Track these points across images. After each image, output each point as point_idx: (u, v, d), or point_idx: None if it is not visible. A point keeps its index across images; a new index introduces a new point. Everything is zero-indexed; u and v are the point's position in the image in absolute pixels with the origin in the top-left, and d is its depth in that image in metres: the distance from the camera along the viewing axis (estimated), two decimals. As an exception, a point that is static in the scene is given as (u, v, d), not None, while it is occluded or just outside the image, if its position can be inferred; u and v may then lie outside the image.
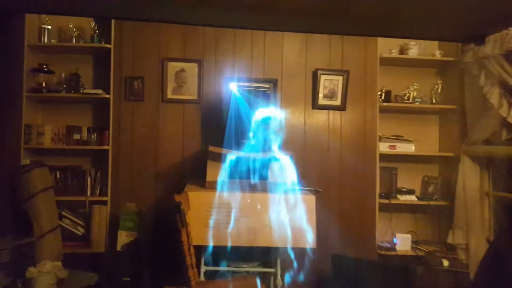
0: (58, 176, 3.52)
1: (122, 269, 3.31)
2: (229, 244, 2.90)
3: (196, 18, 2.28)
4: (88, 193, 3.54)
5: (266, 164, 3.09)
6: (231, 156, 3.02)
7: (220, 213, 2.89)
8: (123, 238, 3.41)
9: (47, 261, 3.06)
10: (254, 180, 3.04)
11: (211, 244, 2.88)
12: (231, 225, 2.89)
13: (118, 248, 3.40)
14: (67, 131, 3.52)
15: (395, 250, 3.67)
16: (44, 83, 3.48)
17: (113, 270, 3.33)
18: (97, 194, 3.55)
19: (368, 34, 3.32)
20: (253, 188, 3.00)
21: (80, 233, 3.52)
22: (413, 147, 3.76)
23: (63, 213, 3.50)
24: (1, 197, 3.17)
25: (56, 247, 3.25)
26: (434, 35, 2.80)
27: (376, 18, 1.91)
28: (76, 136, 3.51)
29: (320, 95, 3.67)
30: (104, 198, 3.51)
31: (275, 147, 3.33)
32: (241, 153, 3.03)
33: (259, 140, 3.12)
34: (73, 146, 3.52)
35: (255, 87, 3.37)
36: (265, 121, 3.22)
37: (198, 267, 2.94)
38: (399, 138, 3.78)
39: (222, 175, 3.07)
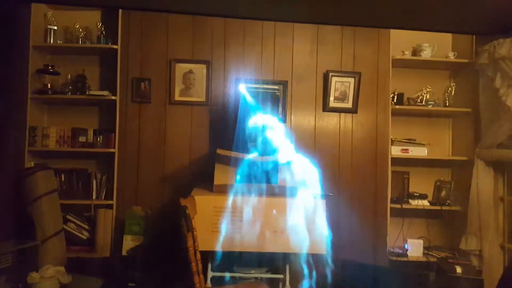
0: (63, 179, 3.41)
1: (127, 274, 3.19)
2: (237, 249, 2.78)
3: (203, 8, 2.15)
4: (94, 197, 3.43)
5: (275, 168, 2.97)
6: (239, 159, 2.90)
7: (227, 218, 2.77)
8: (129, 242, 3.29)
9: (49, 266, 2.95)
10: (263, 184, 2.91)
11: (218, 249, 2.76)
12: (239, 230, 2.77)
13: (124, 252, 3.28)
14: (73, 133, 3.40)
15: (406, 256, 3.52)
16: (49, 85, 3.38)
17: (118, 275, 3.22)
18: (103, 198, 3.44)
19: (392, 27, 3.18)
20: (261, 192, 2.87)
21: (85, 237, 3.41)
22: (426, 151, 3.61)
23: (68, 216, 3.39)
24: (5, 200, 3.06)
25: (60, 252, 3.14)
26: (461, 27, 2.66)
27: (400, 9, 1.79)
28: (82, 139, 3.40)
29: (331, 97, 3.54)
30: (110, 202, 3.39)
31: (284, 150, 3.21)
32: (249, 156, 2.91)
33: (268, 143, 2.99)
34: (79, 149, 3.40)
35: (265, 89, 3.25)
36: (274, 124, 3.10)
37: (205, 272, 2.82)
38: (412, 141, 3.64)
39: (230, 178, 2.95)
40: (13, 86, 3.18)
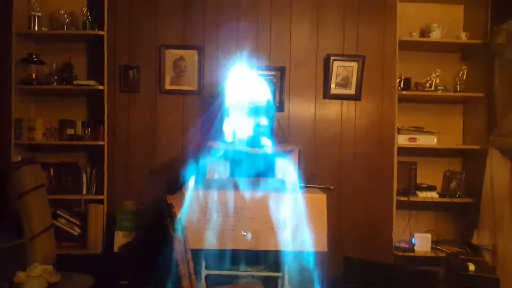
0: (52, 173, 3.16)
1: (119, 272, 2.98)
2: (231, 247, 2.53)
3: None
4: (84, 191, 3.18)
5: (272, 161, 2.69)
6: (233, 152, 2.62)
7: (221, 214, 2.52)
8: (120, 238, 3.06)
9: (37, 265, 2.73)
10: (258, 178, 2.63)
11: (210, 247, 2.51)
12: (232, 227, 2.52)
13: (115, 249, 3.06)
14: (60, 125, 3.13)
15: (413, 251, 3.22)
16: (34, 74, 3.10)
17: (110, 273, 3.01)
18: (93, 192, 3.19)
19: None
20: (257, 187, 2.60)
21: (76, 233, 3.18)
22: (435, 140, 3.27)
23: (58, 212, 3.16)
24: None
25: (49, 249, 2.92)
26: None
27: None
28: (70, 131, 3.13)
29: (332, 84, 3.20)
30: (101, 197, 3.14)
31: (282, 141, 2.93)
32: (244, 149, 2.63)
33: (263, 135, 2.70)
34: (66, 142, 3.13)
35: (261, 76, 2.91)
36: (271, 114, 2.80)
37: (199, 270, 2.59)
38: (420, 130, 3.30)
39: (224, 172, 2.69)
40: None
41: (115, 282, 2.96)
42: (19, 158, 3.10)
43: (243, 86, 2.76)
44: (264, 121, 2.69)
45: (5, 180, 2.87)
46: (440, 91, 3.30)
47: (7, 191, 2.86)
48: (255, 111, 2.72)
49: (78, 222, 3.19)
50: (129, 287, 2.94)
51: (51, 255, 2.94)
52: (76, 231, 3.18)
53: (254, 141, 2.67)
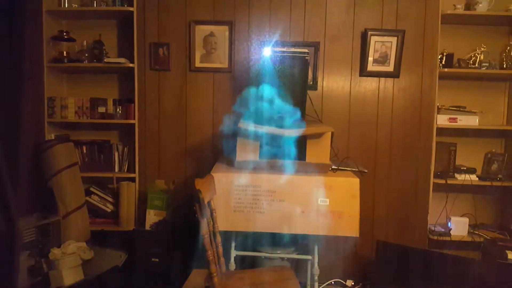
0: (84, 151, 2.96)
1: (151, 249, 2.78)
2: (261, 230, 2.27)
3: None
4: (116, 169, 2.97)
5: (303, 143, 2.36)
6: (263, 133, 2.31)
7: (251, 197, 2.25)
8: (152, 217, 2.85)
9: (71, 242, 2.57)
10: (289, 160, 2.32)
11: (240, 229, 2.27)
12: (262, 209, 2.25)
13: (147, 227, 2.85)
14: (92, 103, 2.90)
15: (449, 235, 2.87)
16: (65, 52, 2.86)
17: (141, 250, 2.81)
18: (125, 170, 2.97)
19: None
20: (288, 169, 2.30)
21: (109, 210, 2.99)
22: (477, 120, 2.85)
23: (92, 189, 2.98)
24: (27, 174, 2.67)
25: (82, 226, 2.75)
26: None
27: None
28: (101, 109, 2.90)
29: (370, 59, 2.80)
30: (132, 175, 2.92)
31: (314, 121, 2.59)
32: (275, 130, 2.31)
33: (295, 115, 2.36)
34: (98, 120, 2.90)
35: (294, 52, 2.55)
36: (304, 93, 2.46)
37: (229, 251, 2.35)
38: (461, 109, 2.88)
39: (254, 154, 2.39)
40: (28, 55, 2.70)
41: (147, 259, 2.77)
42: (53, 136, 2.91)
43: (275, 63, 2.43)
44: (296, 100, 2.35)
45: (39, 158, 2.69)
46: (484, 68, 2.86)
47: (42, 169, 2.69)
48: (287, 90, 2.39)
49: (111, 199, 2.99)
50: (160, 265, 2.74)
51: (84, 232, 2.77)
52: (109, 207, 2.99)
53: (285, 122, 2.35)
